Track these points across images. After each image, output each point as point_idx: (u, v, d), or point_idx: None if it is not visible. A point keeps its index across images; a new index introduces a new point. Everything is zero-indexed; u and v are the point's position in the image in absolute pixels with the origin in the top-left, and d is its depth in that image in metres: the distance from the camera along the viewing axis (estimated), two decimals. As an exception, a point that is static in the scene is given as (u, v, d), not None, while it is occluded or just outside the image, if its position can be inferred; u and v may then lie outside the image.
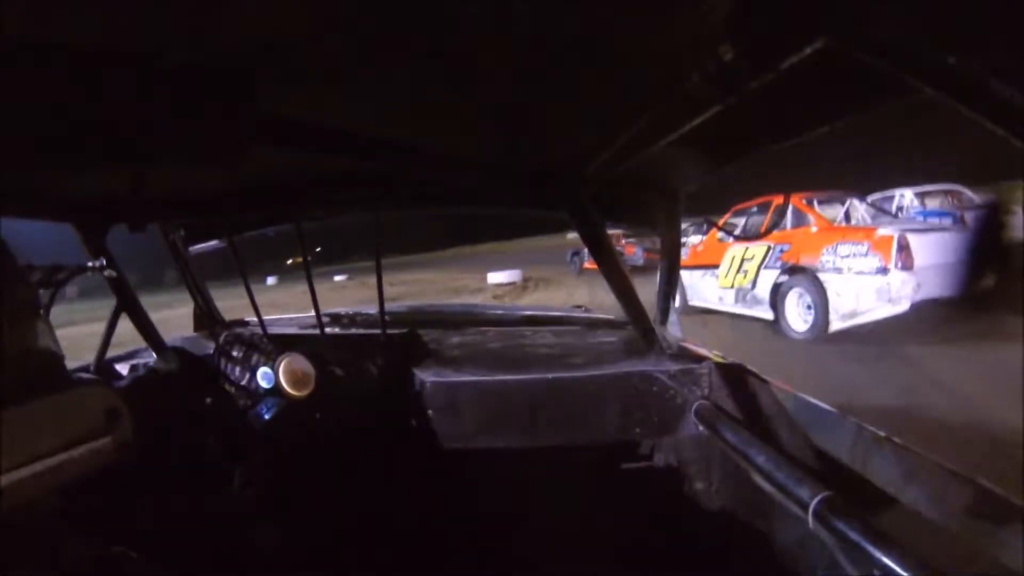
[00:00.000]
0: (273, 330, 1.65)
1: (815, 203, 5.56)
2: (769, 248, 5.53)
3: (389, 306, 1.56)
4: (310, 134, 0.88)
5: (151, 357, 1.57)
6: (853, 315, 4.66)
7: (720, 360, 1.36)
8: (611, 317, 1.94)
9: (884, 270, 4.48)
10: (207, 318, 1.84)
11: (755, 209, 6.28)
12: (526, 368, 1.43)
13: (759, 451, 0.98)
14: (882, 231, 4.64)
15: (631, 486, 1.35)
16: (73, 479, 0.85)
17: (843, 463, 0.90)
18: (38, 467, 0.75)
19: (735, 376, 1.27)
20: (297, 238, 1.49)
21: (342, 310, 2.08)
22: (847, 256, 4.71)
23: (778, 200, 5.48)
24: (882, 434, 0.85)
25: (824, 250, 4.89)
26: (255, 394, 1.54)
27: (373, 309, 1.61)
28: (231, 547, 1.24)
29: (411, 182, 1.29)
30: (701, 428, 1.22)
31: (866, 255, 4.58)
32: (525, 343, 1.70)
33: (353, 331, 1.70)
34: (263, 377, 1.54)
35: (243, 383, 1.55)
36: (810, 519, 0.77)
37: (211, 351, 1.63)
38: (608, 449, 1.35)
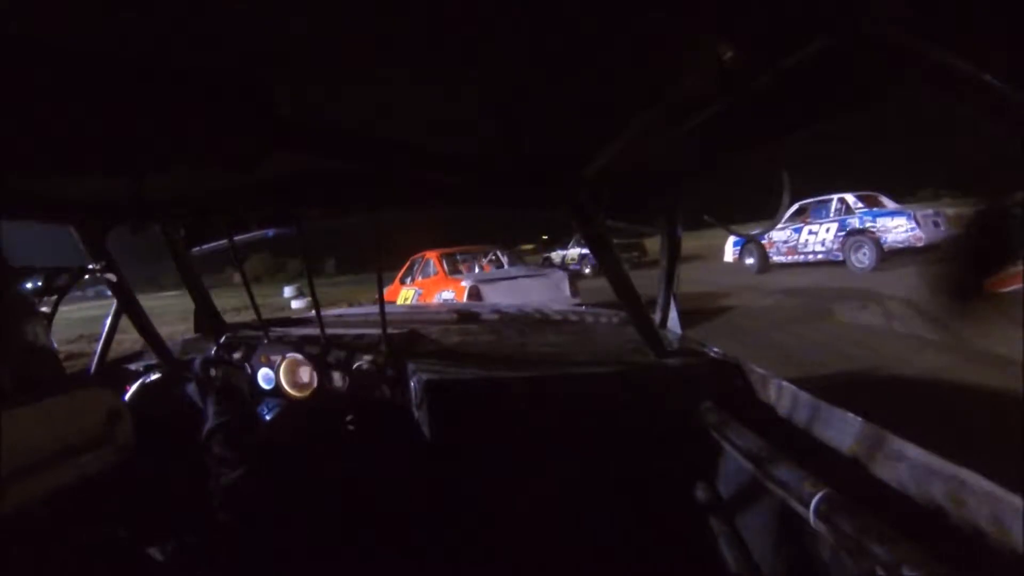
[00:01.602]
0: (274, 331, 1.65)
1: (457, 257, 7.51)
2: (415, 292, 7.11)
3: (389, 306, 1.56)
4: (310, 134, 0.88)
5: (152, 359, 1.58)
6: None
7: (721, 357, 1.36)
8: (612, 315, 1.94)
9: None
10: (208, 319, 1.84)
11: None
12: (527, 367, 1.42)
13: (760, 448, 0.98)
14: (463, 282, 6.26)
15: (631, 483, 1.36)
16: (74, 480, 0.85)
17: (845, 459, 0.90)
18: (39, 468, 0.75)
19: (736, 373, 1.27)
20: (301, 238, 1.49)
21: (342, 311, 2.07)
22: (445, 300, 6.23)
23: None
24: (884, 429, 0.85)
25: (436, 295, 6.48)
26: (256, 395, 1.54)
27: (374, 309, 1.61)
28: (230, 547, 1.24)
29: (411, 182, 1.29)
30: (702, 425, 1.22)
31: (452, 299, 6.13)
32: (526, 342, 1.70)
33: (353, 331, 1.70)
34: (264, 378, 1.55)
35: (244, 384, 1.55)
36: (812, 516, 0.77)
37: (212, 352, 1.63)
38: (609, 447, 1.35)
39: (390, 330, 1.53)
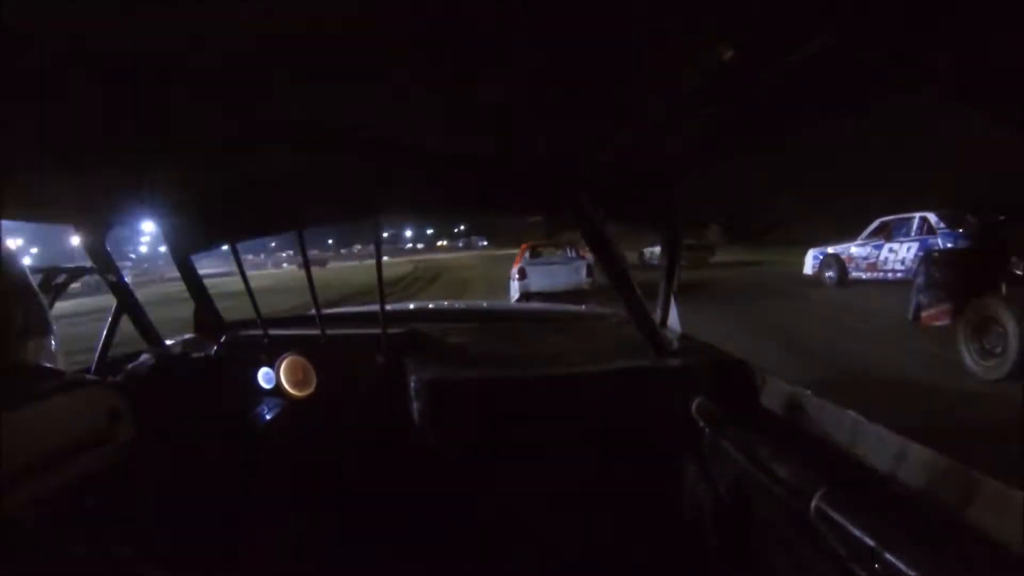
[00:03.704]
0: (274, 330, 1.65)
1: (539, 248, 11.30)
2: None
3: (389, 305, 1.56)
4: (310, 134, 0.88)
5: (152, 358, 1.57)
6: (508, 297, 9.87)
7: (721, 356, 1.36)
8: (613, 314, 1.95)
9: (514, 277, 9.91)
10: (208, 319, 1.84)
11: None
12: (527, 365, 1.43)
13: (760, 446, 0.99)
14: (519, 264, 10.10)
15: (631, 483, 1.36)
16: (75, 479, 0.85)
17: (844, 457, 0.91)
18: (41, 467, 0.75)
19: (736, 372, 1.27)
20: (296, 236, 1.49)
21: (342, 310, 2.07)
22: (514, 274, 10.01)
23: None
24: (883, 427, 0.85)
25: (513, 270, 10.17)
26: (256, 394, 1.54)
27: (374, 307, 1.61)
28: (231, 546, 1.24)
29: (411, 183, 1.29)
30: (701, 424, 1.22)
31: (516, 274, 9.91)
32: (526, 340, 1.70)
33: (353, 331, 1.70)
34: (264, 377, 1.55)
35: (244, 383, 1.55)
36: (811, 514, 0.77)
37: (212, 352, 1.63)
38: (608, 445, 1.36)
39: (390, 329, 1.53)
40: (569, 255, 10.90)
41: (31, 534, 0.69)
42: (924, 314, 4.40)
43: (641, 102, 0.79)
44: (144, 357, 1.56)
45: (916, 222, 9.32)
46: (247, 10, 0.52)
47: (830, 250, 10.52)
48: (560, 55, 0.65)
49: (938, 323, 4.29)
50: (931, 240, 8.90)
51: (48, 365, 0.88)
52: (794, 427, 1.05)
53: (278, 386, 1.52)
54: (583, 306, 2.40)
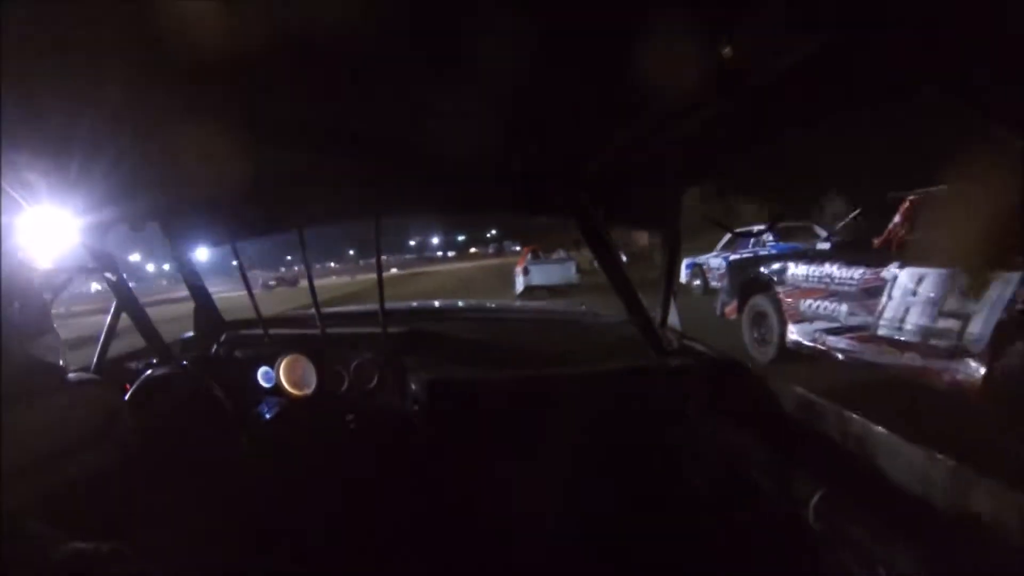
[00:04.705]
0: (274, 329, 1.65)
1: (539, 251, 13.88)
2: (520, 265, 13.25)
3: (389, 305, 1.55)
4: (310, 134, 0.88)
5: (151, 357, 1.57)
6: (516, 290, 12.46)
7: (720, 356, 1.36)
8: (612, 314, 1.95)
9: (519, 273, 12.45)
10: (208, 318, 1.84)
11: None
12: (527, 365, 1.43)
13: (758, 447, 0.99)
14: (522, 263, 12.66)
15: (630, 483, 1.36)
16: (75, 478, 0.85)
17: (843, 458, 0.91)
18: (41, 467, 0.75)
19: (734, 373, 1.27)
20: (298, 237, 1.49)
21: (342, 309, 2.07)
22: (518, 271, 12.64)
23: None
24: (882, 428, 0.85)
25: (518, 267, 12.95)
26: (256, 394, 1.54)
27: (374, 306, 1.61)
28: (231, 545, 1.24)
29: (410, 185, 1.29)
30: (700, 424, 1.22)
31: (520, 271, 12.47)
32: (526, 341, 1.70)
33: (354, 330, 1.70)
34: (264, 376, 1.55)
35: (244, 383, 1.55)
36: (811, 515, 0.77)
37: (212, 351, 1.63)
38: (607, 446, 1.36)
39: (390, 329, 1.53)
40: (562, 255, 13.61)
41: (31, 534, 0.69)
42: (726, 309, 5.51)
43: (641, 102, 0.79)
44: (144, 356, 1.57)
45: (754, 234, 9.77)
46: (248, 10, 0.52)
47: (696, 260, 10.96)
48: (560, 55, 0.65)
49: (731, 317, 5.32)
50: (761, 251, 9.13)
51: (47, 364, 0.88)
52: (793, 427, 1.06)
53: (278, 385, 1.52)
54: (583, 306, 2.40)
